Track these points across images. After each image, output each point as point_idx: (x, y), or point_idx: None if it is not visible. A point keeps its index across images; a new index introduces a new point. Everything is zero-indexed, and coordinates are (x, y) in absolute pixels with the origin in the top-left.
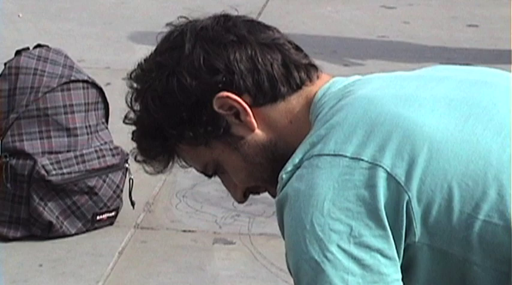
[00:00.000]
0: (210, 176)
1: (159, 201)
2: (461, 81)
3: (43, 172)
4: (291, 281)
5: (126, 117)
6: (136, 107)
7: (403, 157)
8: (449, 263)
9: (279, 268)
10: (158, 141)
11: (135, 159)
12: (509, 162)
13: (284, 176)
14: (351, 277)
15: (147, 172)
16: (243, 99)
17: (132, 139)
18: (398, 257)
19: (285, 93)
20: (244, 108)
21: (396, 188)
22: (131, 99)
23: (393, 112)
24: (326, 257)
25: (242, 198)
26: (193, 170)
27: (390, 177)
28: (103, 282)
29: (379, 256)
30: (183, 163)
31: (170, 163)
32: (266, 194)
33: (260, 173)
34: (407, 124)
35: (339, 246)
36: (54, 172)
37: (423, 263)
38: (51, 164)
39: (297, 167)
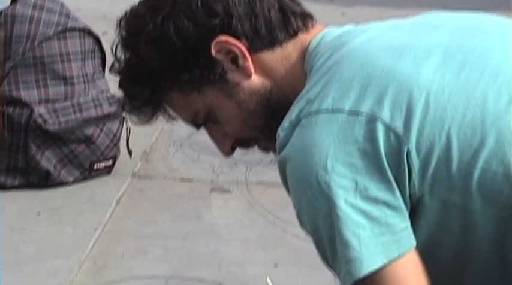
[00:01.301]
0: (198, 127)
1: (156, 150)
2: (456, 28)
3: (40, 120)
4: (289, 229)
5: (112, 65)
6: (126, 55)
7: (401, 109)
8: (450, 212)
9: (276, 216)
10: (147, 88)
11: (122, 108)
12: (506, 108)
13: (281, 134)
14: (362, 231)
15: (132, 121)
16: (241, 44)
17: (119, 86)
18: (406, 206)
19: (281, 39)
20: (243, 53)
21: (396, 140)
22: (119, 46)
23: (389, 64)
24: (336, 213)
25: (230, 150)
26: None
27: (389, 130)
28: (100, 230)
29: (385, 208)
30: (169, 115)
31: (156, 114)
32: None
33: (254, 121)
34: (403, 76)
35: (346, 202)
36: (51, 121)
37: (425, 212)
38: (48, 113)
39: (293, 124)
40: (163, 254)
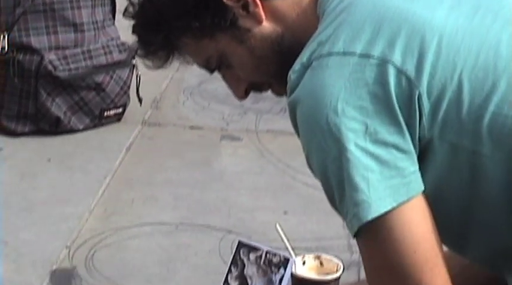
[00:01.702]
0: (212, 71)
1: (166, 98)
2: None
3: (50, 67)
4: (298, 176)
5: (126, 9)
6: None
7: (412, 52)
8: (459, 156)
9: (285, 164)
10: (161, 34)
11: (136, 53)
12: None
13: (292, 76)
14: (371, 174)
15: (146, 66)
16: None
17: (133, 32)
18: (415, 150)
19: None
20: None
21: (407, 84)
22: None
23: (402, 6)
24: (345, 156)
25: (243, 94)
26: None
27: (400, 73)
28: (111, 177)
29: (395, 151)
30: (183, 59)
31: (170, 58)
32: None
33: (266, 66)
34: (416, 19)
35: (356, 145)
36: (61, 68)
37: (433, 156)
38: (58, 59)
39: (305, 66)
40: (173, 201)
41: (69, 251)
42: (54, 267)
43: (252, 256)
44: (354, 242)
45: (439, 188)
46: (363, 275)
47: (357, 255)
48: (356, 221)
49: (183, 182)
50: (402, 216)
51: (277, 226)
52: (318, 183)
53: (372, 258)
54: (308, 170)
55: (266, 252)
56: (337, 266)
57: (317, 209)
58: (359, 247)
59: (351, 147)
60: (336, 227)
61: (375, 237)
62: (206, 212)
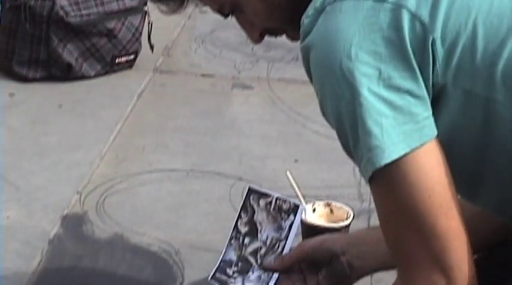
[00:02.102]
0: (226, 16)
1: (178, 45)
2: None
3: (62, 13)
4: (309, 125)
5: None
6: None
7: None
8: (473, 103)
9: (297, 112)
10: None
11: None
12: None
13: (306, 21)
14: (384, 119)
15: (161, 11)
16: None
17: None
18: (428, 95)
19: None
20: None
21: (421, 29)
22: None
23: None
24: (359, 102)
25: (258, 38)
26: (212, 15)
27: (415, 18)
28: (122, 123)
29: (408, 97)
30: (197, 3)
31: (185, 3)
32: (285, 40)
33: (279, 13)
34: None
35: (369, 90)
36: (73, 14)
37: (447, 102)
38: (70, 5)
39: (318, 11)
40: (184, 148)
41: (80, 197)
42: (66, 212)
43: (262, 202)
44: (364, 190)
45: (453, 134)
46: (372, 222)
47: (367, 204)
48: (370, 166)
49: (194, 130)
50: (416, 161)
51: (288, 173)
52: (329, 132)
53: (385, 203)
54: (319, 119)
55: (276, 199)
56: (347, 214)
57: (328, 158)
58: (372, 192)
59: (364, 92)
60: (346, 175)
61: (388, 183)
62: (217, 159)
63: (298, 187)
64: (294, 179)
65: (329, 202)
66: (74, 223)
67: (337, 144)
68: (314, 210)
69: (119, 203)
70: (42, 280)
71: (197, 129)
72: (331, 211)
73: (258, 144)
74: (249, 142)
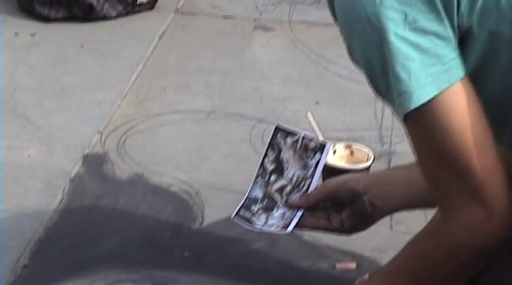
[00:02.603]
0: None
1: None
2: None
3: None
4: (331, 67)
5: None
6: None
7: None
8: (499, 43)
9: (318, 55)
10: None
11: None
12: None
13: None
14: (412, 63)
15: None
16: None
17: None
18: (454, 37)
19: None
20: None
21: None
22: None
23: None
24: (386, 46)
25: None
26: None
27: None
28: (143, 64)
29: (434, 39)
30: None
31: None
32: None
33: None
34: None
35: (395, 34)
36: None
37: (472, 43)
38: None
39: None
40: (205, 89)
41: (101, 136)
42: (87, 151)
43: (289, 140)
44: (385, 133)
45: (479, 75)
46: (393, 165)
47: (387, 146)
48: (401, 110)
49: (215, 71)
50: (446, 103)
51: (309, 114)
52: (350, 74)
53: (420, 144)
54: (341, 61)
55: (303, 137)
56: (368, 156)
57: (349, 100)
58: (407, 133)
59: (391, 37)
60: (367, 118)
61: (421, 125)
62: (238, 100)
63: (319, 128)
64: (315, 121)
65: (350, 143)
66: (94, 163)
67: (359, 87)
68: (334, 152)
69: (139, 143)
70: (63, 218)
71: (218, 70)
72: (352, 152)
73: (279, 86)
74: (270, 83)
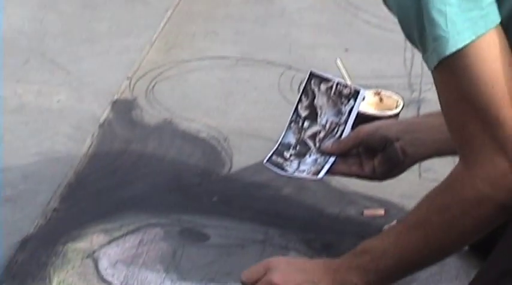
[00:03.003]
0: None
1: None
2: None
3: None
4: (360, 14)
5: None
6: None
7: None
8: None
9: (348, 2)
10: None
11: None
12: None
13: None
14: (449, 8)
15: None
16: None
17: None
18: None
19: None
20: None
21: None
22: None
23: None
24: None
25: None
26: None
27: None
28: (172, 10)
29: None
30: None
31: None
32: None
33: None
34: None
35: None
36: None
37: None
38: None
39: None
40: (234, 36)
41: (130, 82)
42: (116, 97)
43: (323, 87)
44: (414, 80)
45: (510, 24)
46: (422, 113)
47: (417, 94)
48: (436, 56)
49: (245, 18)
50: (480, 50)
51: (338, 61)
52: (380, 22)
53: (449, 92)
54: (371, 9)
55: (337, 84)
56: (397, 103)
57: (379, 48)
58: (436, 81)
59: None
60: (397, 65)
61: (453, 72)
62: (267, 47)
63: (348, 75)
64: (344, 67)
65: (379, 90)
66: (123, 108)
67: (389, 34)
68: (363, 98)
69: (168, 89)
70: (93, 163)
71: (247, 17)
72: (381, 99)
73: (308, 33)
74: (299, 30)
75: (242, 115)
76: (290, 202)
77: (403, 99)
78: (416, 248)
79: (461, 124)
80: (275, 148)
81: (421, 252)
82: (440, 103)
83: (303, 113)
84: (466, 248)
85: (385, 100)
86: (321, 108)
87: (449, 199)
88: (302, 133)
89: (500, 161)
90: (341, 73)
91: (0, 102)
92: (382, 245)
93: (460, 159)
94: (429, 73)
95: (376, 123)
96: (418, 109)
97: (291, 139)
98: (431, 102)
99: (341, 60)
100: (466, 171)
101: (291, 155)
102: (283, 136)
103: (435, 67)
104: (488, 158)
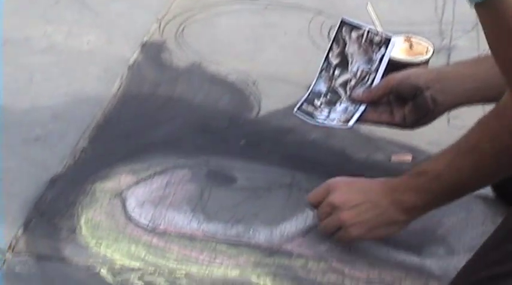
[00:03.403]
0: None
1: None
2: None
3: None
4: None
5: None
6: None
7: None
8: None
9: None
10: None
11: None
12: None
13: None
14: None
15: None
16: None
17: None
18: None
19: None
20: None
21: None
22: None
23: None
24: None
25: None
26: None
27: None
28: None
29: None
30: None
31: None
32: None
33: None
34: None
35: None
36: None
37: None
38: None
39: None
40: None
41: (159, 25)
42: (145, 39)
43: (354, 34)
44: (445, 27)
45: None
46: (452, 60)
47: (447, 41)
48: None
49: None
50: None
51: (369, 6)
52: None
53: (493, 28)
54: None
55: (368, 31)
56: (427, 49)
57: None
58: (480, 17)
59: None
60: (427, 12)
61: (495, 8)
62: None
63: (379, 21)
64: (375, 13)
65: (409, 36)
66: (153, 51)
67: None
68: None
69: (197, 33)
70: (122, 104)
71: None
72: (411, 45)
73: None
74: None
75: (271, 59)
76: (317, 147)
77: (433, 45)
78: (468, 172)
79: (508, 58)
80: (305, 96)
81: (473, 176)
82: (486, 38)
83: (334, 61)
84: (492, 194)
85: (415, 46)
86: (351, 56)
87: (498, 127)
88: (333, 81)
89: None
90: (371, 19)
91: (30, 41)
92: (436, 167)
93: (509, 90)
94: (461, 20)
95: (407, 72)
96: (448, 56)
97: (322, 87)
98: (462, 49)
99: (372, 5)
100: None
101: (321, 103)
102: (314, 84)
103: (477, 5)
104: None
